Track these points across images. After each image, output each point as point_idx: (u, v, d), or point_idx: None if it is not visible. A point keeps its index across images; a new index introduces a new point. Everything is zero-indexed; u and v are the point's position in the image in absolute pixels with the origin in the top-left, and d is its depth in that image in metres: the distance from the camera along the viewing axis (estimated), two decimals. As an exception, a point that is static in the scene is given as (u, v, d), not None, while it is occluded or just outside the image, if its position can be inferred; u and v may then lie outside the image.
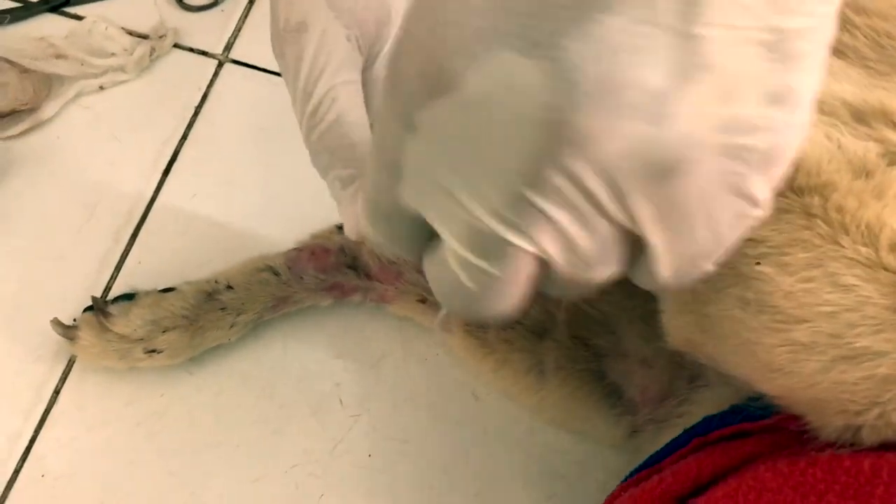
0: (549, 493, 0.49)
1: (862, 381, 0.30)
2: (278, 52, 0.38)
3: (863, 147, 0.35)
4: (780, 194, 0.33)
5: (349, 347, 0.52)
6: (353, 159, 0.37)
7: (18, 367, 0.51)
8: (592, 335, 0.47)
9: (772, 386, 0.33)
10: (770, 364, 0.32)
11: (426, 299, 0.49)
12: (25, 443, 0.49)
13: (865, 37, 0.42)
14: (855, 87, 0.40)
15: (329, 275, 0.50)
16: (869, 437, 0.31)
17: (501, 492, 0.49)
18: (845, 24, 0.43)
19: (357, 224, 0.37)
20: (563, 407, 0.47)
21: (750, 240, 0.32)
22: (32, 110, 0.56)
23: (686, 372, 0.44)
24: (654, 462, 0.38)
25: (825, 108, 0.39)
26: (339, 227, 0.52)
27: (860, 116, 0.37)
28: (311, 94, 0.37)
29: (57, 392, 0.50)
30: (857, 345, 0.30)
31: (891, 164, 0.33)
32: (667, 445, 0.38)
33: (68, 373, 0.51)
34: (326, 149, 0.37)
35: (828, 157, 0.34)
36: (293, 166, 0.56)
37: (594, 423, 0.47)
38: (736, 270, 0.32)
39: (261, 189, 0.57)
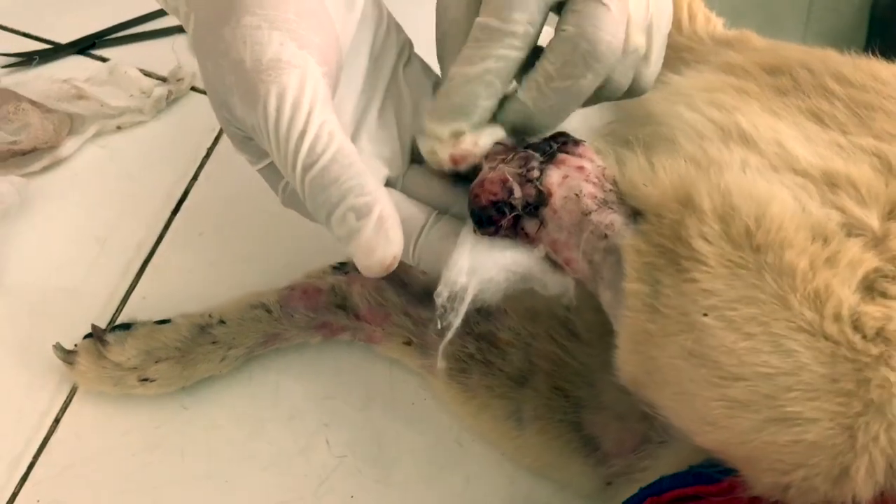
0: (528, 543, 0.49)
1: (790, 444, 0.31)
2: (236, 104, 0.36)
3: (825, 214, 0.35)
4: (739, 250, 0.33)
5: (339, 388, 0.53)
6: (364, 186, 0.35)
7: (24, 393, 0.53)
8: (572, 386, 0.47)
9: (706, 439, 0.34)
10: (706, 417, 0.33)
11: (412, 342, 0.51)
12: (24, 469, 0.51)
13: (845, 106, 0.42)
14: (829, 153, 0.40)
15: (319, 314, 0.51)
16: (795, 499, 0.31)
17: (480, 538, 0.49)
18: (826, 91, 0.44)
19: (384, 253, 0.35)
20: (540, 454, 0.48)
21: (704, 289, 0.33)
22: (52, 148, 0.59)
23: (658, 428, 0.44)
24: None
25: (799, 169, 0.39)
26: (334, 267, 0.53)
27: (832, 182, 0.38)
28: (305, 130, 0.35)
29: (57, 421, 0.52)
30: (790, 409, 0.31)
31: (848, 235, 0.34)
32: (624, 502, 0.38)
33: (69, 402, 0.53)
34: (333, 181, 0.35)
35: (791, 216, 0.34)
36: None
37: (569, 472, 0.47)
38: (686, 318, 0.33)
39: (264, 230, 0.59)
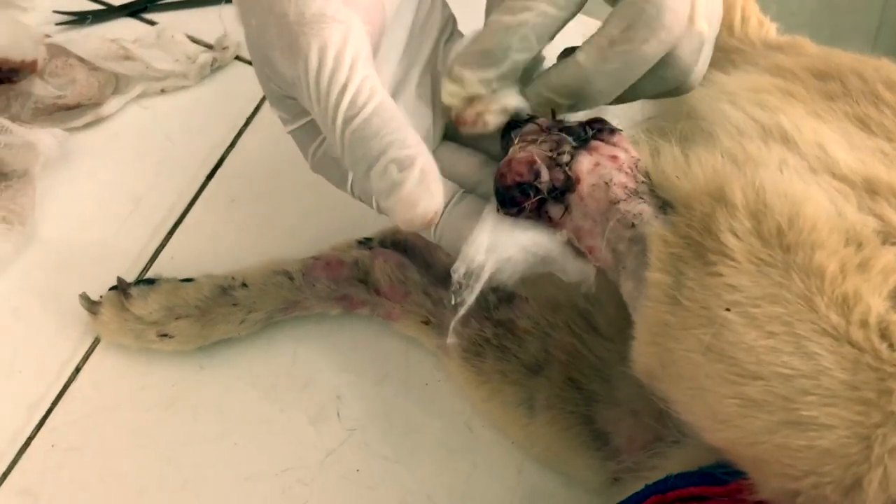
0: (530, 533, 0.48)
1: (803, 449, 0.30)
2: (276, 57, 0.36)
3: (862, 220, 0.34)
4: (769, 247, 0.33)
5: (356, 362, 0.53)
6: (407, 140, 0.34)
7: (49, 341, 0.54)
8: (587, 379, 0.47)
9: (717, 437, 0.33)
10: (718, 414, 0.32)
11: (430, 321, 0.51)
12: (42, 413, 0.52)
13: (893, 113, 0.41)
14: (873, 160, 0.39)
15: (340, 286, 0.51)
16: None
17: (481, 524, 0.49)
18: (875, 98, 0.43)
19: (427, 206, 0.34)
20: (549, 445, 0.47)
21: (728, 284, 0.32)
22: (97, 105, 0.60)
23: (673, 427, 0.43)
24: None
25: (839, 173, 0.38)
26: (359, 242, 0.53)
27: (872, 189, 0.37)
28: (347, 83, 0.34)
29: (78, 370, 0.53)
30: (806, 413, 0.30)
31: (884, 242, 0.33)
32: (628, 498, 0.38)
33: (90, 353, 0.54)
34: (374, 134, 0.34)
35: (825, 218, 0.33)
36: (328, 185, 0.59)
37: (577, 465, 0.46)
38: (707, 312, 0.32)
39: (295, 202, 0.59)
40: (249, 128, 0.62)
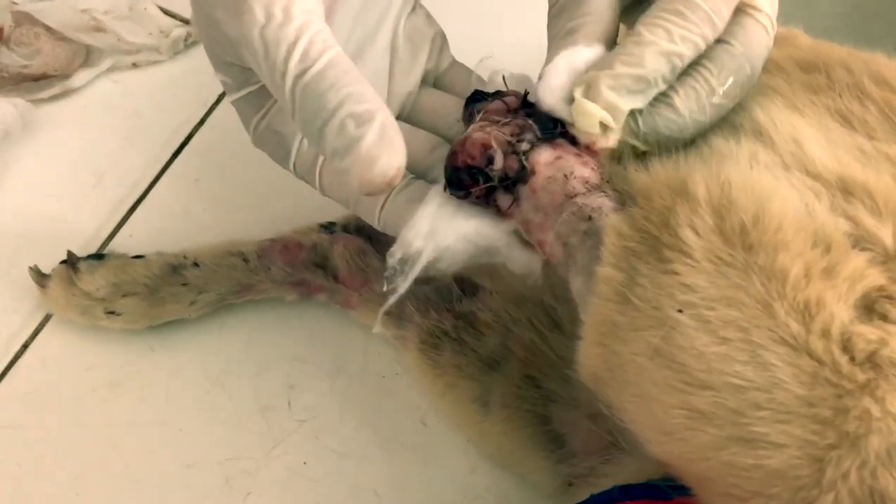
0: (480, 537, 0.46)
1: (751, 468, 0.27)
2: (223, 17, 0.34)
3: (833, 221, 0.31)
4: (730, 246, 0.30)
5: (311, 351, 0.51)
6: (365, 94, 0.32)
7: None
8: (545, 378, 0.45)
9: (661, 449, 0.30)
10: (663, 425, 0.29)
11: (389, 311, 0.48)
12: (-15, 389, 0.50)
13: (878, 110, 0.39)
14: (850, 158, 0.36)
15: (297, 270, 0.49)
16: None
17: (429, 525, 0.46)
18: (860, 92, 0.40)
19: (388, 162, 0.31)
20: (503, 444, 0.45)
21: (683, 284, 0.30)
22: (64, 77, 0.58)
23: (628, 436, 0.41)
24: None
25: (812, 171, 0.36)
26: (321, 226, 0.51)
27: (847, 189, 0.34)
28: (298, 37, 0.32)
29: (25, 346, 0.51)
30: (756, 429, 0.27)
31: (855, 247, 0.30)
32: (578, 505, 0.36)
33: (40, 329, 0.52)
34: (330, 87, 0.32)
35: (792, 217, 0.31)
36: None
37: (530, 466, 0.44)
38: (658, 313, 0.30)
39: (262, 184, 0.57)
40: (220, 106, 0.60)
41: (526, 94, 0.37)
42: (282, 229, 0.53)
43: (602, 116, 0.34)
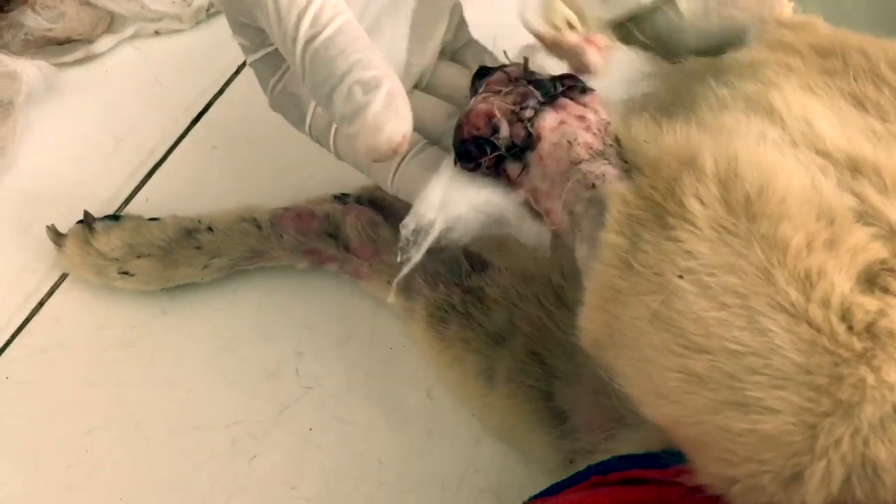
0: (479, 508, 0.47)
1: (745, 432, 0.28)
2: None
3: (839, 196, 0.32)
4: (734, 216, 0.30)
5: (320, 320, 0.52)
6: (373, 60, 0.32)
7: (15, 272, 0.53)
8: (550, 354, 0.45)
9: (658, 412, 0.30)
10: (660, 388, 0.30)
11: (399, 283, 0.49)
12: (0, 344, 0.51)
13: (892, 94, 0.39)
14: (860, 138, 0.37)
15: (309, 238, 0.50)
16: (739, 497, 0.28)
17: (430, 495, 0.47)
18: (876, 76, 0.40)
19: (394, 129, 0.32)
20: (506, 418, 0.45)
21: (685, 250, 0.30)
22: (88, 42, 0.59)
23: (631, 412, 0.41)
24: (552, 491, 0.36)
25: (821, 149, 0.36)
26: (335, 196, 0.52)
27: (855, 167, 0.34)
28: (310, 2, 0.32)
29: (41, 304, 0.52)
30: (751, 394, 0.27)
31: (859, 221, 0.30)
32: (570, 477, 0.36)
33: (55, 288, 0.53)
34: (338, 53, 0.32)
35: (798, 191, 0.31)
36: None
37: (533, 441, 0.45)
38: (659, 278, 0.30)
39: (278, 154, 0.58)
40: (239, 76, 0.61)
41: (526, 62, 0.37)
42: (296, 199, 0.53)
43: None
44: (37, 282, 0.53)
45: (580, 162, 0.34)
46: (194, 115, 0.59)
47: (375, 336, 0.51)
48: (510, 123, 0.34)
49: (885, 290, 0.28)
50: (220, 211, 0.51)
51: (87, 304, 0.52)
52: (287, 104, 0.39)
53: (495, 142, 0.34)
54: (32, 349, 0.51)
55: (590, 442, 0.42)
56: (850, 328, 0.28)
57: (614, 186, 0.32)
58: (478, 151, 0.35)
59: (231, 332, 0.51)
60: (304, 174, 0.56)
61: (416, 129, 0.39)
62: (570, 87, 0.36)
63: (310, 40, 0.32)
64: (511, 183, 0.36)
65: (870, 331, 0.28)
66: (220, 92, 0.60)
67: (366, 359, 0.51)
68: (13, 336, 0.52)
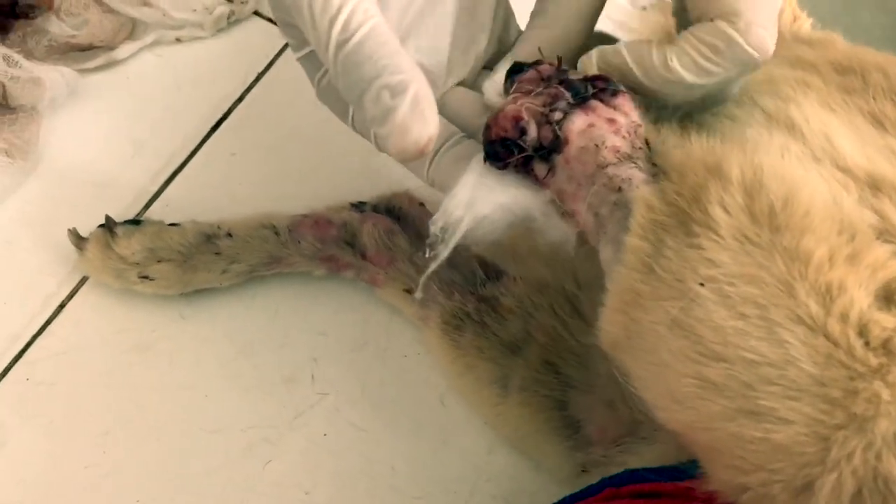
0: (492, 516, 0.47)
1: (757, 441, 0.28)
2: None
3: (860, 212, 0.32)
4: (757, 226, 0.31)
5: (336, 326, 0.52)
6: (401, 65, 0.33)
7: (37, 274, 0.54)
8: (564, 364, 0.45)
9: (672, 417, 0.31)
10: (675, 393, 0.30)
11: (412, 290, 0.49)
12: (21, 346, 0.52)
13: None
14: (880, 157, 0.37)
15: (326, 246, 0.50)
16: None
17: (442, 502, 0.47)
18: (895, 95, 0.40)
19: (420, 132, 0.33)
20: (519, 427, 0.46)
21: (708, 259, 0.30)
22: (110, 48, 0.60)
23: (646, 423, 0.41)
24: (566, 502, 0.36)
25: (842, 166, 0.36)
26: (352, 205, 0.52)
27: (875, 185, 0.34)
28: (341, 7, 0.34)
29: (62, 306, 0.53)
30: (765, 403, 0.28)
31: (879, 238, 0.31)
32: (583, 490, 0.36)
33: (76, 291, 0.53)
34: (367, 58, 0.33)
35: (821, 205, 0.31)
36: (334, 144, 0.58)
37: (545, 451, 0.45)
38: (680, 285, 0.30)
39: (297, 161, 0.58)
40: (259, 83, 0.61)
41: (560, 61, 0.37)
42: (313, 206, 0.54)
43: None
44: (57, 284, 0.54)
45: (607, 165, 0.34)
46: (214, 121, 0.60)
47: (390, 343, 0.52)
48: (539, 125, 0.35)
49: None
50: (239, 217, 0.52)
51: (106, 308, 0.53)
52: (331, 98, 0.40)
53: (522, 143, 0.35)
54: (52, 351, 0.52)
55: (603, 454, 0.43)
56: (866, 343, 0.28)
57: (640, 191, 0.33)
58: (505, 152, 0.35)
59: (248, 337, 0.52)
60: (322, 182, 0.57)
61: (454, 122, 0.39)
62: (601, 88, 0.36)
63: (340, 45, 0.34)
64: (538, 182, 0.36)
65: (886, 347, 0.28)
66: (240, 99, 0.61)
67: (380, 365, 0.51)
68: (34, 338, 0.52)
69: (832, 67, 0.45)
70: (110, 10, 0.59)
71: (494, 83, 0.39)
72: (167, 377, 0.51)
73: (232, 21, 0.63)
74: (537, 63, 0.37)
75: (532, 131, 0.35)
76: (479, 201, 0.36)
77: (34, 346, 0.52)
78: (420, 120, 0.33)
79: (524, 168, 0.36)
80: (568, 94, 0.35)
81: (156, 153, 0.58)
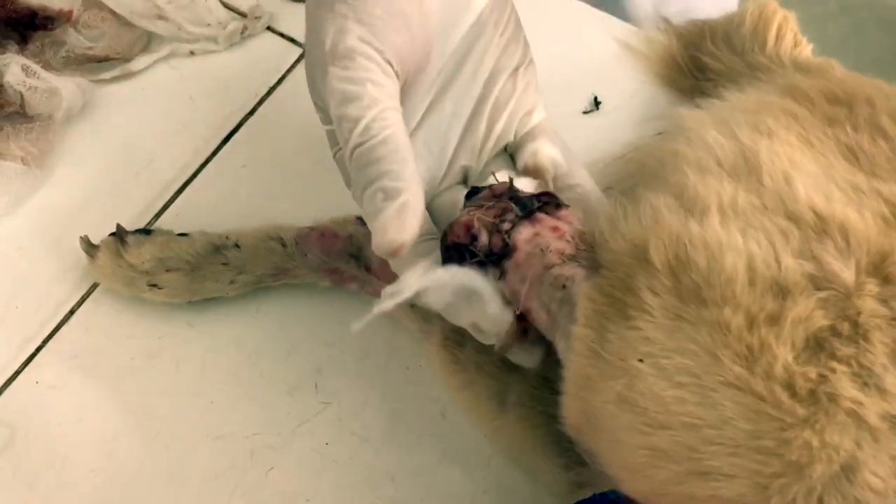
0: (489, 528, 0.48)
1: (709, 499, 0.30)
2: (318, 75, 0.41)
3: (796, 265, 0.33)
4: (685, 303, 0.33)
5: (340, 337, 0.53)
6: (401, 174, 0.38)
7: (48, 281, 0.55)
8: (561, 381, 0.46)
9: (631, 487, 0.34)
10: (630, 464, 0.33)
11: (415, 304, 0.50)
12: (32, 350, 0.53)
13: (890, 148, 0.39)
14: (839, 194, 0.37)
15: (332, 258, 0.52)
16: None
17: (441, 512, 0.48)
18: (875, 129, 0.41)
19: (395, 237, 0.37)
20: (516, 441, 0.47)
21: (645, 337, 0.33)
22: (125, 60, 0.61)
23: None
24: None
25: (790, 212, 0.36)
26: (359, 218, 0.53)
27: (821, 228, 0.35)
28: (361, 117, 0.38)
29: (72, 312, 0.54)
30: (710, 463, 0.30)
31: (815, 287, 0.32)
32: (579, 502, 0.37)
33: (86, 297, 0.55)
34: (376, 160, 0.38)
35: (744, 270, 0.33)
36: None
37: (541, 466, 0.46)
38: (623, 364, 0.33)
39: (306, 176, 0.59)
40: (270, 98, 0.62)
41: (511, 181, 0.42)
42: (319, 218, 0.55)
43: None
44: (68, 291, 0.55)
45: (552, 266, 0.38)
46: (225, 133, 0.61)
47: (392, 355, 0.53)
48: (490, 234, 0.39)
49: (832, 356, 0.31)
50: (247, 228, 0.53)
51: (115, 314, 0.54)
52: (342, 168, 0.43)
53: (474, 249, 0.39)
54: (62, 355, 0.53)
55: (597, 471, 0.44)
56: (793, 395, 0.30)
57: (581, 286, 0.36)
58: (459, 257, 0.40)
59: (253, 346, 0.53)
60: (329, 195, 0.57)
61: (436, 222, 0.44)
62: (545, 202, 0.40)
63: (357, 146, 0.38)
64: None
65: (812, 396, 0.30)
66: (251, 112, 0.62)
67: (382, 377, 0.52)
68: (44, 342, 0.53)
69: (824, 97, 0.45)
70: (127, 24, 0.61)
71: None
72: (174, 383, 0.52)
73: (245, 36, 0.64)
74: (491, 185, 0.42)
75: (483, 238, 0.39)
76: (431, 271, 0.40)
77: (45, 349, 0.53)
78: (399, 227, 0.37)
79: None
80: (516, 208, 0.40)
81: (167, 163, 0.60)
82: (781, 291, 0.32)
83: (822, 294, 0.32)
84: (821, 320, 0.31)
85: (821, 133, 0.40)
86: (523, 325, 0.40)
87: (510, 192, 0.41)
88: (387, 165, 0.38)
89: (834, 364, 0.30)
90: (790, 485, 0.29)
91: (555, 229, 0.39)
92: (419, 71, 0.42)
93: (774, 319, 0.31)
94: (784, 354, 0.31)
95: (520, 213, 0.39)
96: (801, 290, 0.32)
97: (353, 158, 0.38)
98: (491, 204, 0.40)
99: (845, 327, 0.31)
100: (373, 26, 0.39)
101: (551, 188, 0.45)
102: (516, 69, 0.45)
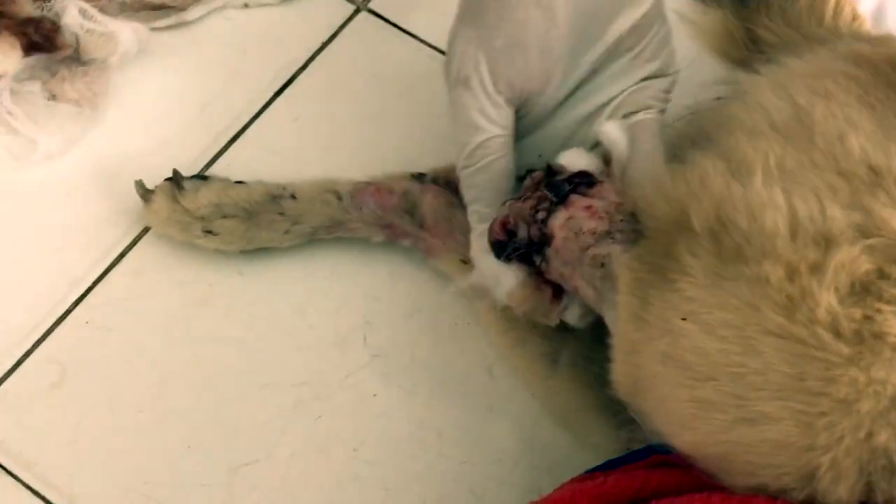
0: (533, 487, 0.48)
1: (758, 443, 0.32)
2: (450, 94, 0.45)
3: (843, 216, 0.34)
4: (726, 263, 0.34)
5: (390, 292, 0.54)
6: (495, 202, 0.44)
7: (100, 223, 0.55)
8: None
9: (681, 441, 0.35)
10: (679, 418, 0.34)
11: (468, 261, 0.50)
12: (83, 290, 0.53)
13: None
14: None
15: (387, 213, 0.52)
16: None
17: (487, 470, 0.49)
18: None
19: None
20: (567, 402, 0.47)
21: (687, 297, 0.34)
22: (181, 9, 0.61)
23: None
24: (609, 466, 0.38)
25: (842, 169, 0.36)
26: (413, 175, 0.53)
27: (874, 179, 0.35)
28: (467, 143, 0.44)
29: (123, 255, 0.55)
30: (756, 408, 0.31)
31: (864, 236, 0.33)
32: (627, 454, 0.38)
33: (137, 241, 0.55)
34: (475, 186, 0.45)
35: (785, 226, 0.34)
36: (395, 117, 0.59)
37: (591, 427, 0.46)
38: (666, 324, 0.34)
39: (357, 131, 0.59)
40: (324, 52, 0.62)
41: (548, 167, 0.43)
42: (371, 172, 0.55)
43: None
44: (119, 234, 0.55)
45: (588, 247, 0.40)
46: (278, 86, 0.61)
47: (441, 312, 0.53)
48: (528, 225, 0.42)
49: (879, 297, 0.31)
50: (304, 180, 0.53)
51: (166, 260, 0.54)
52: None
53: (513, 243, 0.42)
54: (113, 297, 0.53)
55: (648, 429, 0.44)
56: (837, 336, 0.31)
57: (620, 259, 0.38)
58: (501, 251, 0.43)
59: (303, 297, 0.53)
60: (381, 152, 0.58)
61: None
62: (577, 183, 0.42)
63: (464, 167, 0.45)
64: (538, 269, 0.42)
65: (857, 336, 0.31)
66: (304, 67, 0.62)
67: (431, 333, 0.52)
68: (95, 283, 0.54)
69: (887, 62, 0.45)
70: (184, -28, 0.60)
71: None
72: (223, 330, 0.52)
73: (299, -10, 0.64)
74: (531, 171, 0.44)
75: (521, 232, 0.42)
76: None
77: (95, 291, 0.54)
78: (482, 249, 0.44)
79: (525, 259, 0.43)
80: (550, 195, 0.42)
81: (220, 114, 0.60)
82: (825, 241, 0.32)
83: (870, 241, 0.32)
84: (865, 265, 0.31)
85: (882, 95, 0.40)
86: (550, 289, 0.43)
87: (548, 176, 0.43)
88: (486, 192, 0.44)
89: (881, 305, 0.31)
90: (837, 422, 0.30)
91: (588, 208, 0.40)
92: (538, 94, 0.45)
93: (817, 267, 0.32)
94: (827, 299, 0.31)
95: (554, 199, 0.41)
96: (847, 239, 0.32)
97: (462, 175, 0.45)
98: (529, 194, 0.42)
99: (894, 270, 0.31)
100: (491, 58, 0.43)
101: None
102: (645, 79, 0.46)
